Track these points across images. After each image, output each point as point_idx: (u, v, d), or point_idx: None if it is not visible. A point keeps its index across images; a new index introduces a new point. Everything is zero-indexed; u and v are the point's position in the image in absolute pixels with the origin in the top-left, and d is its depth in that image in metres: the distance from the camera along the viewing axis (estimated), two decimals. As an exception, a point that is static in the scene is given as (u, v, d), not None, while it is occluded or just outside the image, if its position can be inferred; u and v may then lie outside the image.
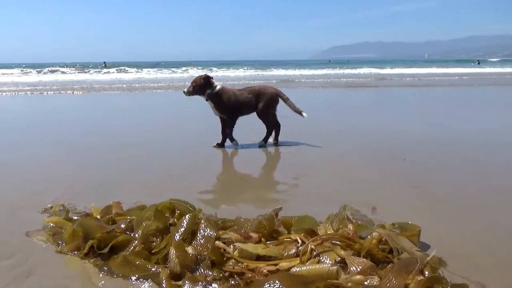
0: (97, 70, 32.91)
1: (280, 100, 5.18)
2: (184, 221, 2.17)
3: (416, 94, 14.05)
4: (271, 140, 5.25)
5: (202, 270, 1.95)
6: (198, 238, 2.09)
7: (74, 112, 9.42)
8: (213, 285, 1.87)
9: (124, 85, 17.28)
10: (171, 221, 2.37)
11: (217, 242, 2.03)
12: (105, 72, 29.64)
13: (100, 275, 2.08)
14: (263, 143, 5.20)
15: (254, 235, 2.08)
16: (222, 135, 5.06)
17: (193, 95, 4.92)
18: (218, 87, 4.89)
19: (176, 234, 2.12)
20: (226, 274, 1.92)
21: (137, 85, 17.86)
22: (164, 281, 1.90)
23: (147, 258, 2.09)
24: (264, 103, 5.06)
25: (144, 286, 1.96)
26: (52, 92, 14.54)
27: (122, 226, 2.37)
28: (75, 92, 14.65)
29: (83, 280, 2.06)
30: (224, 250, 2.02)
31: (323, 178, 3.88)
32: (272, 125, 5.19)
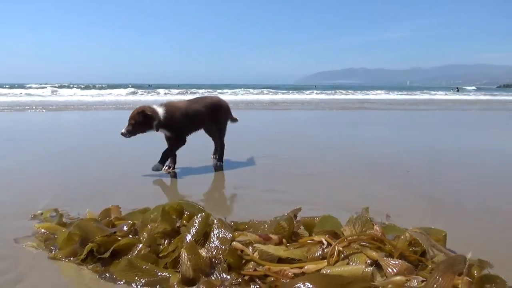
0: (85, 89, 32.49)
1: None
2: (196, 221, 1.96)
3: (404, 116, 14.25)
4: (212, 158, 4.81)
5: (218, 274, 1.74)
6: (212, 240, 1.88)
7: (58, 129, 9.11)
8: (231, 290, 1.67)
9: (112, 106, 16.92)
10: (178, 223, 2.16)
11: (234, 243, 1.83)
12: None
13: (100, 282, 1.85)
14: (221, 163, 4.64)
15: (274, 237, 1.90)
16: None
17: (135, 134, 4.03)
18: (161, 110, 4.07)
19: (188, 236, 1.91)
20: (246, 278, 1.72)
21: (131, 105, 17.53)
22: (176, 286, 1.69)
23: (154, 262, 1.87)
24: (223, 116, 4.67)
25: (152, 292, 1.74)
26: (37, 110, 14.13)
27: (124, 228, 2.15)
28: (65, 111, 14.32)
29: (81, 287, 1.82)
30: (242, 252, 1.82)
31: (328, 187, 3.74)
32: (224, 142, 4.73)
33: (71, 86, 42.50)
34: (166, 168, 4.26)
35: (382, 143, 6.87)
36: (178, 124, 4.18)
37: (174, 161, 4.36)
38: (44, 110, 13.74)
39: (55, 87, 33.92)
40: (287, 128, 9.43)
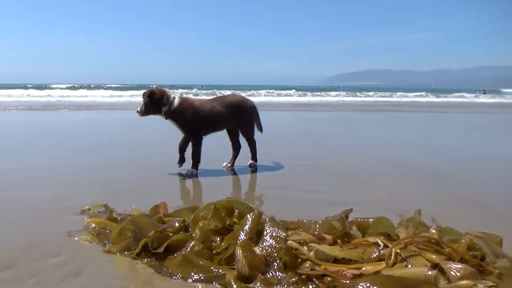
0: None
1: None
2: (249, 220, 1.98)
3: (433, 119, 13.88)
4: (227, 164, 4.58)
5: (274, 272, 1.75)
6: (265, 239, 1.89)
7: (86, 128, 9.30)
8: (289, 288, 1.67)
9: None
10: (228, 221, 2.18)
11: (290, 242, 1.83)
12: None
13: (156, 276, 1.89)
14: (255, 163, 4.54)
15: (328, 237, 1.89)
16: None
17: (147, 114, 4.11)
18: (176, 100, 4.07)
19: (241, 234, 1.92)
20: (303, 277, 1.71)
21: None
22: (233, 283, 1.70)
23: (209, 258, 1.90)
24: (247, 118, 4.47)
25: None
26: (65, 110, 14.56)
27: (176, 225, 2.18)
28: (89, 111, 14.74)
29: (138, 281, 1.87)
30: (296, 250, 1.82)
31: (361, 188, 3.73)
32: (254, 140, 4.55)
33: (103, 86, 43.47)
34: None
35: (414, 145, 6.75)
36: (187, 119, 4.11)
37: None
38: (71, 110, 14.16)
39: (84, 87, 34.89)
40: (313, 129, 9.37)
